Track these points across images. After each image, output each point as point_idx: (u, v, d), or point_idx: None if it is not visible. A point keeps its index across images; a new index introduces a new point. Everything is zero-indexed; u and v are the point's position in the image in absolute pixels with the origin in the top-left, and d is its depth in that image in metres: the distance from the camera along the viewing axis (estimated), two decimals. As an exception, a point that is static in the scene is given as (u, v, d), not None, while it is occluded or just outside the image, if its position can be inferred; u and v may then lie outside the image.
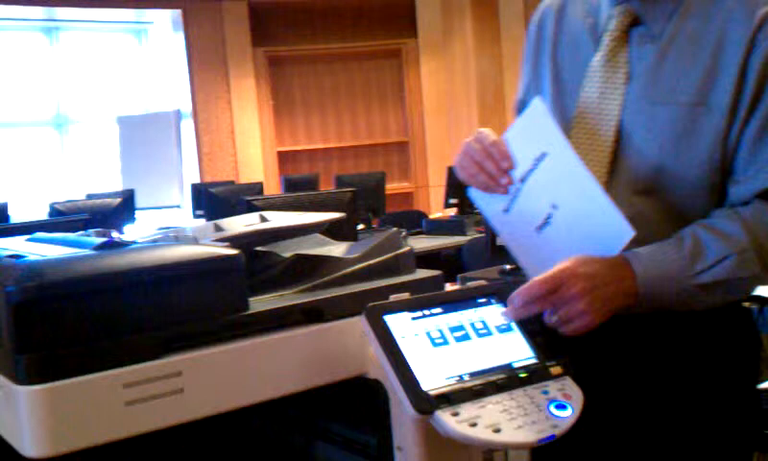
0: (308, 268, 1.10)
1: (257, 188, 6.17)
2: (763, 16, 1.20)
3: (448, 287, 1.14)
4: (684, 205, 1.25)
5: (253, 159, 8.34)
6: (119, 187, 7.25)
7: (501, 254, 3.65)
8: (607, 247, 1.17)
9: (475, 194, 1.33)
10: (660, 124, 1.25)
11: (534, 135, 1.24)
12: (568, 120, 1.34)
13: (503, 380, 0.94)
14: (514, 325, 1.03)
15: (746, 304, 1.38)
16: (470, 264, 4.62)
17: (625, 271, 1.16)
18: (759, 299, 2.25)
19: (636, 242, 1.16)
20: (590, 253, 1.16)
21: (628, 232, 1.15)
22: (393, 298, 0.98)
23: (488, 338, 0.99)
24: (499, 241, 3.82)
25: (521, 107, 1.53)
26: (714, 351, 1.31)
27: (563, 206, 1.21)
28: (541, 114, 1.24)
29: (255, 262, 1.12)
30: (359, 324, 0.95)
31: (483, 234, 4.54)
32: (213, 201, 5.72)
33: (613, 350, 1.31)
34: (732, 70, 1.21)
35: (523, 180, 1.25)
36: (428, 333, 0.96)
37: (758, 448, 2.03)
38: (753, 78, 1.20)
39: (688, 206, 1.25)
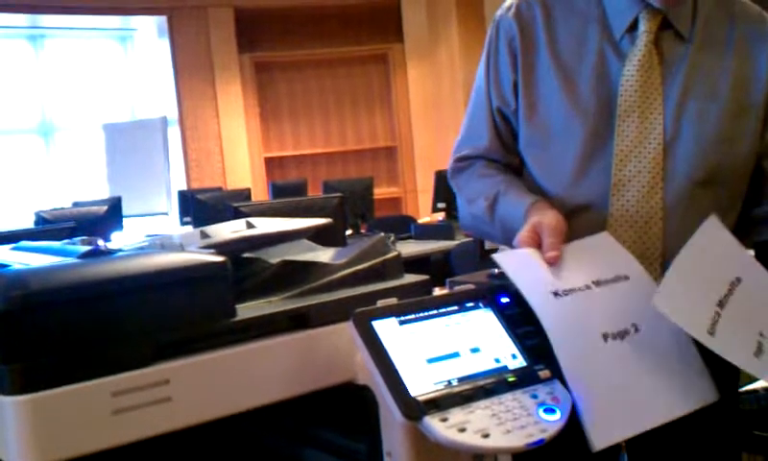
0: (295, 274, 1.10)
1: (245, 195, 6.15)
2: None
3: (437, 291, 1.13)
4: (732, 194, 1.37)
5: (241, 166, 8.32)
6: (105, 195, 7.21)
7: (490, 258, 3.65)
8: (683, 395, 1.06)
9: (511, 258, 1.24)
10: (710, 120, 1.33)
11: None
12: (593, 114, 1.36)
13: (492, 385, 0.93)
14: (502, 329, 1.03)
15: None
16: (459, 268, 4.63)
17: None
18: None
19: (690, 231, 1.16)
20: (663, 390, 1.06)
21: (711, 396, 1.08)
22: (380, 303, 0.98)
23: (476, 342, 0.99)
24: (488, 245, 3.84)
25: (507, 110, 1.51)
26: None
27: (647, 332, 1.10)
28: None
29: (242, 269, 1.11)
30: (347, 329, 0.95)
31: (471, 239, 4.55)
32: (200, 208, 5.69)
33: None
34: (763, 72, 1.35)
35: (598, 284, 1.14)
36: (416, 338, 0.96)
37: (747, 449, 2.04)
38: None
39: (736, 195, 1.38)
